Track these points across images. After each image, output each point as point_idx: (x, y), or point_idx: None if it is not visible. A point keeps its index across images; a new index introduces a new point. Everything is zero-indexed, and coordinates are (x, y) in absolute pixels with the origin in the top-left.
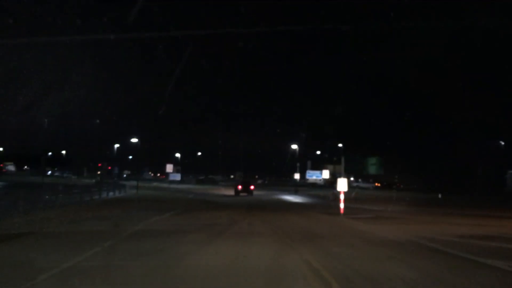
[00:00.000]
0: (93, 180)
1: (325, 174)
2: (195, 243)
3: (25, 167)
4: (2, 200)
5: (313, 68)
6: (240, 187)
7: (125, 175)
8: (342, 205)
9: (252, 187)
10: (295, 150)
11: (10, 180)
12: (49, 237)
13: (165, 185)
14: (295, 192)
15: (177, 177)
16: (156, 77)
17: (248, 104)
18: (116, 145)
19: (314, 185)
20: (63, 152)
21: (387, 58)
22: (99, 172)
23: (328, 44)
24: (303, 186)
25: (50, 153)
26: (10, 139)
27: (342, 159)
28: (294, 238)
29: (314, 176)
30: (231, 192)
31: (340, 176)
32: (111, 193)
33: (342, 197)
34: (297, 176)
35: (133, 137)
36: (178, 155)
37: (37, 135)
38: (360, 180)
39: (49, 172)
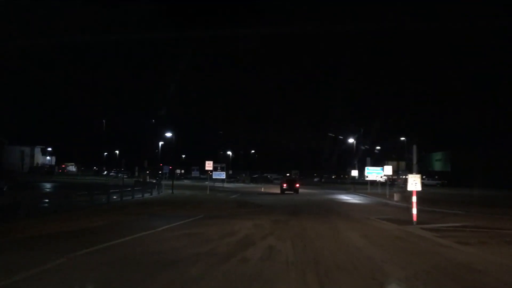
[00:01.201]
0: (134, 180)
1: (388, 170)
2: None
3: (94, 167)
4: None
5: (372, 60)
6: (285, 185)
7: (178, 174)
8: (415, 211)
9: (297, 185)
10: (352, 145)
11: (61, 181)
12: None
13: (215, 184)
14: (353, 191)
15: (222, 175)
16: (208, 77)
17: (306, 101)
18: (161, 143)
19: (374, 182)
20: (117, 152)
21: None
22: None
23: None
24: (362, 184)
25: (105, 153)
26: (73, 141)
27: (414, 149)
28: None
29: (374, 173)
30: (279, 190)
31: (406, 173)
32: (139, 195)
33: (414, 199)
34: (355, 173)
35: (168, 132)
36: (229, 153)
37: (97, 136)
38: (424, 177)
39: (105, 172)
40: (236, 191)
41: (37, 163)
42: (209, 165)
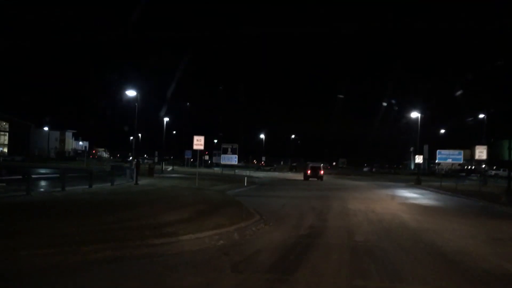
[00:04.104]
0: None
1: (481, 152)
2: None
3: (145, 155)
4: None
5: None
6: (309, 171)
7: (209, 161)
8: None
9: (321, 172)
10: (416, 125)
11: (64, 166)
12: None
13: (248, 172)
14: (417, 183)
15: (233, 159)
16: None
17: (357, 88)
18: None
19: (434, 172)
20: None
21: None
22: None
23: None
24: (425, 175)
25: (131, 138)
26: (105, 126)
27: None
28: None
29: (449, 158)
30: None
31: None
32: (69, 187)
33: None
34: (419, 159)
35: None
36: (262, 136)
37: (126, 121)
38: (495, 167)
39: (130, 158)
40: (255, 182)
41: (58, 147)
42: (198, 142)
